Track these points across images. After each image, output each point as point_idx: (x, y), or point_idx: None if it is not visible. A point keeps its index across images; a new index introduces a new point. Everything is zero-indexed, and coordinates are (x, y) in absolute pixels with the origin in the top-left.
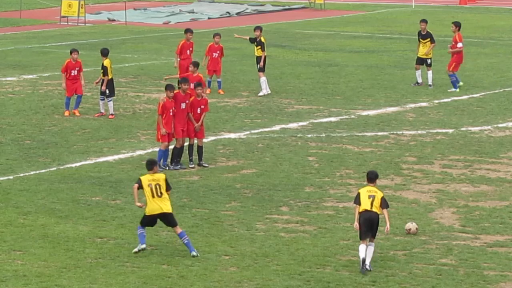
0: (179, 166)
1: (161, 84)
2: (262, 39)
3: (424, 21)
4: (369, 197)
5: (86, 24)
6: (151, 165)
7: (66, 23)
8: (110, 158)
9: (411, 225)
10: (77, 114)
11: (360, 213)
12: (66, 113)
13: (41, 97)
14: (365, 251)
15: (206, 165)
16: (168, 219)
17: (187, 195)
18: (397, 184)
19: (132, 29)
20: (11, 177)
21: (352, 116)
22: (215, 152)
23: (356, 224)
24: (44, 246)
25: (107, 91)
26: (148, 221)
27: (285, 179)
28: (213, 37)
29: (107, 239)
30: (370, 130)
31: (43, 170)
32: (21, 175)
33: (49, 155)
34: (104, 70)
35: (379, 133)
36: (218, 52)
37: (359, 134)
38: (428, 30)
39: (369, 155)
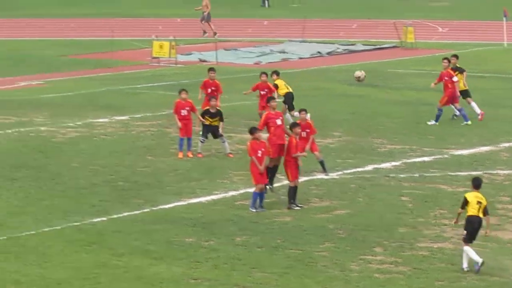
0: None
1: (253, 125)
2: (277, 82)
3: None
4: (477, 202)
5: (177, 65)
6: None
7: (157, 64)
8: (203, 199)
9: (360, 73)
10: (190, 155)
11: (468, 216)
12: (180, 155)
13: (133, 138)
14: (475, 252)
15: (300, 205)
16: None
17: (281, 236)
18: (492, 224)
19: (223, 70)
20: (105, 219)
21: (445, 156)
22: (308, 193)
23: (456, 221)
24: (138, 287)
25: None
26: None
27: (379, 220)
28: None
29: (201, 280)
30: (464, 169)
31: (137, 211)
32: (115, 216)
33: (142, 196)
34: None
35: (473, 173)
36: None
37: (453, 173)
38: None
39: (463, 195)
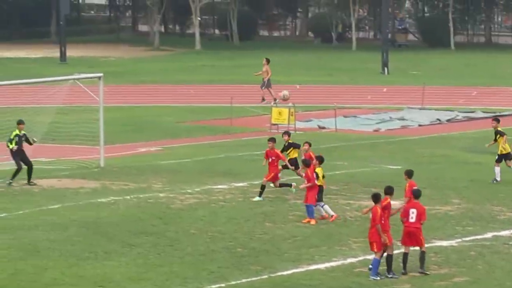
0: (391, 274)
1: (371, 192)
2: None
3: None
4: None
5: (296, 132)
6: None
7: (276, 131)
8: (321, 265)
9: (284, 92)
10: (312, 222)
11: None
12: (312, 222)
13: (252, 205)
14: None
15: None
16: None
17: None
18: None
19: (342, 137)
20: (223, 285)
21: None
22: (427, 260)
23: None
24: None
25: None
26: None
27: (498, 287)
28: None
29: None
30: None
31: (255, 278)
32: (233, 283)
33: (260, 263)
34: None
35: None
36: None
37: None
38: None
39: None
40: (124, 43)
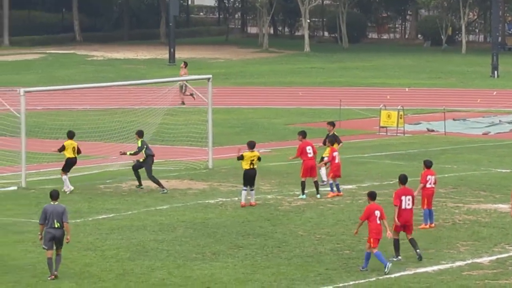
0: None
1: (480, 195)
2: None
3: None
4: None
5: (405, 135)
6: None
7: (384, 134)
8: (429, 268)
9: None
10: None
11: None
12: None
13: (360, 207)
14: None
15: None
16: None
17: None
18: None
19: (451, 140)
20: (330, 287)
21: None
22: None
23: None
24: None
25: None
26: None
27: None
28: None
29: None
30: None
31: (362, 280)
32: (340, 285)
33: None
34: None
35: None
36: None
37: None
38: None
39: None
40: (233, 45)
